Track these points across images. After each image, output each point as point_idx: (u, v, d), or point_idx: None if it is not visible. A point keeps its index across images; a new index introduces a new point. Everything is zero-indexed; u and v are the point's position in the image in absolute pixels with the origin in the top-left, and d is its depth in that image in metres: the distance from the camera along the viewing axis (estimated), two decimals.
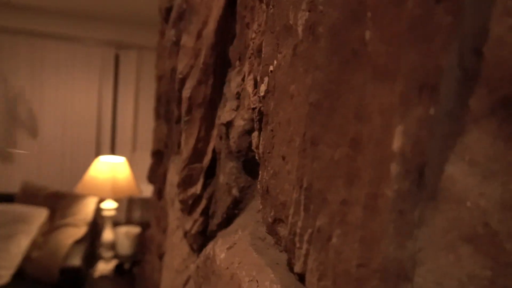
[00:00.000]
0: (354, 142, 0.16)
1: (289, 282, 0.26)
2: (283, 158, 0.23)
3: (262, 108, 0.29)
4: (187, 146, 0.57)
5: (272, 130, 0.26)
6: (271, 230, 0.25)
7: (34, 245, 2.34)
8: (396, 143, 0.14)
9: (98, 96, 3.95)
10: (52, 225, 2.45)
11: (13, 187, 3.59)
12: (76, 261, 2.20)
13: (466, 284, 0.15)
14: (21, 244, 2.24)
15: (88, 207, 2.52)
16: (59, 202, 2.56)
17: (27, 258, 2.26)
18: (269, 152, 0.26)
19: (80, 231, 2.40)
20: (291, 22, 0.22)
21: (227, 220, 0.49)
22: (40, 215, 2.41)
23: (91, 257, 2.46)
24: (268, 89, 0.26)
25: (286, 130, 0.23)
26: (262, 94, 0.27)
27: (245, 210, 0.45)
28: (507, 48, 0.13)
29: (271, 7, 0.26)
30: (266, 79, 0.27)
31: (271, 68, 0.25)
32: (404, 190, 0.14)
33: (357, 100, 0.16)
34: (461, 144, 0.15)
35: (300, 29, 0.21)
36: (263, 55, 0.27)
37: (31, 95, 3.79)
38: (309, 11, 0.20)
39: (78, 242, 2.37)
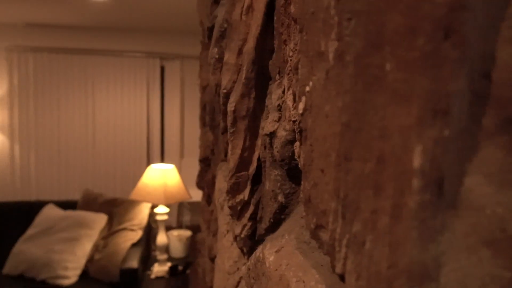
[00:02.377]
0: (379, 158, 0.18)
1: (332, 282, 0.28)
2: (322, 170, 0.26)
3: (301, 124, 0.32)
4: (233, 156, 0.61)
5: (311, 145, 0.28)
6: (314, 235, 0.27)
7: (96, 248, 2.51)
8: (416, 161, 0.16)
9: (147, 107, 4.16)
10: (111, 230, 2.62)
11: (74, 194, 3.87)
12: (133, 263, 2.33)
13: (488, 283, 0.16)
14: (85, 247, 2.42)
15: (142, 213, 2.66)
16: (116, 208, 2.73)
17: (90, 260, 2.44)
18: (309, 165, 0.29)
19: (136, 235, 2.55)
20: (322, 49, 0.25)
21: (274, 225, 0.51)
22: (101, 220, 2.59)
23: (147, 260, 2.61)
24: (306, 107, 0.29)
25: (323, 146, 0.25)
26: (300, 112, 0.30)
27: (291, 215, 0.48)
28: (511, 72, 0.15)
29: (304, 33, 0.28)
30: (303, 98, 0.29)
31: (307, 88, 0.28)
32: (425, 201, 0.16)
33: (380, 121, 0.18)
34: (477, 158, 0.16)
35: (331, 56, 0.23)
36: (299, 76, 0.30)
37: (83, 109, 4.05)
38: (337, 40, 0.22)
39: (134, 245, 2.51)
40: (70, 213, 2.61)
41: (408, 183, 0.17)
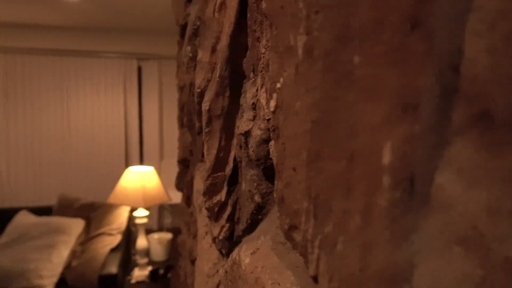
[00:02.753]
0: (349, 156, 0.18)
1: (307, 284, 0.27)
2: (294, 169, 0.25)
3: (273, 122, 0.31)
4: (209, 156, 0.60)
5: (283, 143, 0.28)
6: (288, 236, 0.27)
7: (73, 254, 2.44)
8: (386, 159, 0.16)
9: (124, 108, 4.08)
10: (89, 235, 2.55)
11: (49, 200, 3.75)
12: (113, 268, 2.28)
13: (460, 282, 0.16)
14: (62, 253, 2.35)
15: (121, 216, 2.61)
16: (94, 213, 2.66)
17: (67, 267, 2.37)
18: (282, 164, 0.28)
19: (115, 240, 2.50)
20: (292, 43, 0.24)
21: (252, 225, 0.51)
22: (78, 225, 2.52)
23: (127, 264, 2.55)
24: (277, 104, 0.28)
25: (294, 144, 0.25)
26: (272, 109, 0.29)
27: (268, 215, 0.47)
28: (480, 66, 0.15)
29: (274, 28, 0.27)
30: (274, 95, 0.28)
31: (278, 85, 0.27)
32: (396, 199, 0.16)
33: (350, 119, 0.17)
34: (448, 154, 0.16)
35: (300, 50, 0.23)
36: (270, 73, 0.29)
37: (58, 112, 3.94)
38: (306, 34, 0.21)
39: (113, 250, 2.46)
40: (44, 219, 2.53)
41: (378, 181, 0.16)
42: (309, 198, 0.22)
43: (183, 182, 1.47)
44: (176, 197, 2.74)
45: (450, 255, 0.16)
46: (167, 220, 3.52)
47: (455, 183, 0.16)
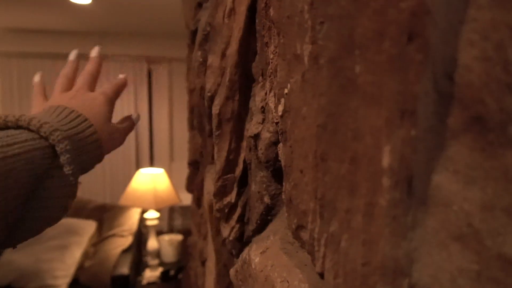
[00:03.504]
0: (353, 158, 0.19)
1: (315, 281, 0.28)
2: (301, 171, 0.26)
3: (281, 126, 0.32)
4: (219, 158, 0.61)
5: (290, 146, 0.29)
6: (296, 235, 0.28)
7: (86, 255, 2.48)
8: (385, 160, 0.17)
9: (135, 111, 4.13)
10: (101, 236, 2.59)
11: None
12: (124, 269, 2.31)
13: (457, 277, 0.17)
14: (75, 254, 2.39)
15: (132, 218, 2.64)
16: (106, 214, 2.70)
17: (80, 268, 2.41)
18: (289, 166, 0.29)
19: (126, 241, 2.53)
20: (298, 52, 0.25)
21: (261, 226, 0.52)
22: (90, 227, 2.56)
23: (138, 265, 2.58)
24: (285, 109, 0.29)
25: (302, 147, 0.26)
26: (280, 113, 0.30)
27: (277, 216, 0.48)
28: (473, 73, 0.16)
29: (281, 37, 0.29)
30: (282, 100, 0.30)
31: (285, 91, 0.29)
32: (395, 199, 0.17)
33: (354, 123, 0.19)
34: (444, 156, 0.17)
35: (306, 59, 0.24)
36: (278, 79, 0.30)
37: None
38: (311, 43, 0.23)
39: (125, 251, 2.49)
40: None
41: (379, 182, 0.17)
42: (316, 199, 0.23)
43: (194, 184, 1.49)
44: (187, 198, 2.76)
45: (447, 251, 0.17)
46: (178, 222, 3.55)
47: (452, 183, 0.17)
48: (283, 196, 0.31)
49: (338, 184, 0.20)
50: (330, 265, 0.21)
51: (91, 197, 3.27)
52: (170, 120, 4.28)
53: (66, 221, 2.56)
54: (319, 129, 0.22)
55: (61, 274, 2.30)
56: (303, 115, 0.25)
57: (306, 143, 0.25)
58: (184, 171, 1.75)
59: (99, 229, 2.63)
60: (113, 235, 2.55)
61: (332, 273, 0.21)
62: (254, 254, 0.41)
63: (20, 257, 2.33)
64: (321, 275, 0.23)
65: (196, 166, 1.48)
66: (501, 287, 0.16)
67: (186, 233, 2.33)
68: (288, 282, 0.31)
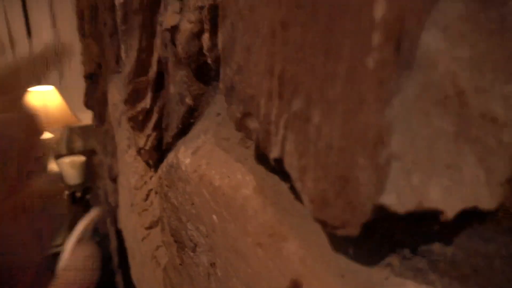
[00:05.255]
0: (330, 15, 0.15)
1: (260, 172, 0.27)
2: (248, 49, 0.22)
3: (215, 2, 0.27)
4: (128, 59, 0.53)
5: (231, 23, 0.24)
6: (240, 125, 0.25)
7: None
8: (378, 10, 0.14)
9: (6, 23, 3.43)
10: None
11: None
12: None
13: (434, 139, 0.16)
14: None
15: None
16: None
17: None
18: (230, 48, 0.25)
19: None
20: None
21: (183, 130, 0.48)
22: None
23: None
24: None
25: (249, 19, 0.22)
26: None
27: (201, 117, 0.45)
28: None
29: None
30: None
31: None
32: (384, 59, 0.14)
33: None
34: (436, 9, 0.15)
35: None
36: None
37: None
38: None
39: None
40: None
41: (368, 39, 0.14)
42: (271, 77, 0.20)
43: (93, 99, 1.35)
44: (86, 118, 2.53)
45: (428, 116, 0.16)
46: (78, 144, 3.29)
47: (440, 41, 0.15)
48: (221, 86, 0.28)
49: (306, 52, 0.17)
50: (292, 147, 0.19)
51: None
52: (54, 32, 3.69)
53: None
54: None
55: None
56: None
57: (256, 11, 0.21)
58: (78, 89, 1.56)
59: None
60: None
61: (295, 156, 0.19)
62: (183, 156, 0.37)
63: None
64: (278, 161, 0.21)
65: (94, 79, 1.32)
66: (478, 146, 0.16)
67: (89, 153, 2.19)
68: (229, 177, 0.29)
